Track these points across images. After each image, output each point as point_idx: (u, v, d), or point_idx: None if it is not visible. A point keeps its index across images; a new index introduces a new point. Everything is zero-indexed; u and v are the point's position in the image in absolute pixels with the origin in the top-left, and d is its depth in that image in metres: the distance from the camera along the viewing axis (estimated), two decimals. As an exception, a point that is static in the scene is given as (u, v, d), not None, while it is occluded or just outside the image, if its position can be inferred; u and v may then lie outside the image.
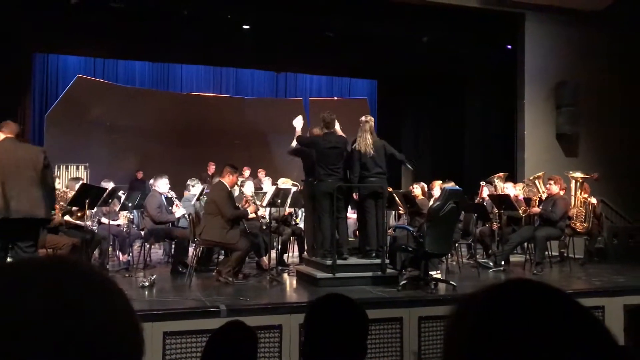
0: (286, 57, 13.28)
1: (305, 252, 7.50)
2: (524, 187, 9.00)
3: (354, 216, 7.81)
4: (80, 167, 12.35)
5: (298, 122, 6.97)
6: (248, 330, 2.56)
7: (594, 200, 8.58)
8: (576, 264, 8.14)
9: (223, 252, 7.28)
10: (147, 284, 5.94)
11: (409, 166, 7.48)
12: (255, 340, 2.55)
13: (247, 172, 11.91)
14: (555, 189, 7.86)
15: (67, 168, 12.29)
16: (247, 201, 7.19)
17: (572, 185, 8.61)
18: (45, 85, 13.76)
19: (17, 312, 0.57)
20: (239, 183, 8.69)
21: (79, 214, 6.88)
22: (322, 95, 16.20)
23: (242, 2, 10.40)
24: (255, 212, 7.84)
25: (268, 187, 9.23)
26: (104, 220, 7.71)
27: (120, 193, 8.00)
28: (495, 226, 8.21)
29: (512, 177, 9.64)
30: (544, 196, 8.24)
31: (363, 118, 6.83)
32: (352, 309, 1.97)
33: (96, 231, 7.24)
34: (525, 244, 8.18)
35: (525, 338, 0.65)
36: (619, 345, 0.69)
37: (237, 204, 6.93)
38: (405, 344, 5.16)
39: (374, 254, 6.50)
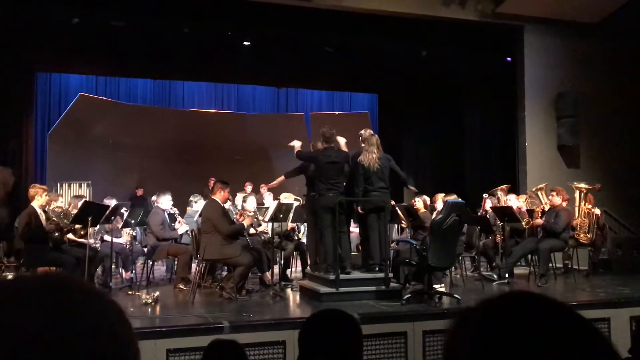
0: (287, 72, 13.34)
1: (308, 267, 7.48)
2: (526, 198, 8.99)
3: (357, 230, 7.80)
4: (82, 184, 12.36)
5: (296, 143, 6.96)
6: (237, 348, 2.55)
7: (597, 211, 8.56)
8: (580, 276, 8.10)
9: (226, 268, 7.27)
10: (150, 301, 5.92)
11: (411, 187, 7.48)
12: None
13: (249, 188, 11.91)
14: (557, 200, 7.84)
15: (69, 186, 12.30)
16: (241, 214, 7.18)
17: (576, 195, 8.60)
18: (48, 104, 13.81)
19: (16, 331, 0.57)
20: (242, 198, 8.71)
21: (82, 232, 6.88)
22: (323, 109, 16.24)
23: (242, 18, 10.48)
24: (255, 227, 7.84)
25: (270, 202, 9.23)
26: (107, 237, 7.72)
27: (123, 210, 8.01)
28: (498, 238, 8.19)
29: (515, 189, 9.63)
30: (546, 208, 8.23)
31: (363, 132, 6.83)
32: (345, 323, 1.98)
33: (99, 248, 7.23)
34: (529, 256, 8.15)
35: (525, 351, 0.65)
36: (620, 357, 0.69)
37: (232, 219, 6.93)
38: (409, 358, 5.13)
39: (377, 268, 6.48)
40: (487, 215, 8.39)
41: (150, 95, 15.16)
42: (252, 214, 7.76)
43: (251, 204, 8.11)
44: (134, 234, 8.17)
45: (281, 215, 7.18)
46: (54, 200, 7.34)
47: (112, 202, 7.80)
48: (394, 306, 5.74)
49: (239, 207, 7.95)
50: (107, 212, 6.85)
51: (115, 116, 13.78)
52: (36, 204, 6.39)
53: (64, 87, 14.02)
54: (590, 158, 10.50)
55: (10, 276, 7.14)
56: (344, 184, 6.76)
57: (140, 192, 13.12)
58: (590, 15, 10.23)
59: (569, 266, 8.58)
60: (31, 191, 6.52)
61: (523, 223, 8.03)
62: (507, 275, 7.65)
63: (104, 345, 0.60)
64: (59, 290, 0.63)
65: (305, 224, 8.11)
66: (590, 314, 5.72)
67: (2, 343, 0.56)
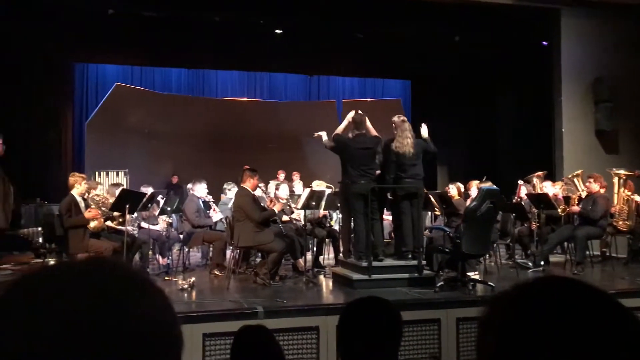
0: (319, 59, 13.35)
1: (340, 254, 7.52)
2: (562, 185, 8.83)
3: (390, 217, 7.79)
4: (120, 173, 12.63)
5: (323, 134, 6.92)
6: (266, 332, 2.59)
7: (637, 198, 8.35)
8: (619, 264, 7.94)
9: (260, 254, 7.36)
10: (186, 286, 6.05)
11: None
12: (277, 345, 2.58)
13: (281, 175, 11.99)
14: (595, 187, 7.68)
15: (107, 174, 12.59)
16: (271, 200, 7.24)
17: (615, 182, 8.41)
18: (85, 94, 14.12)
19: (62, 314, 0.58)
20: (274, 186, 8.78)
21: (120, 219, 7.05)
22: (354, 96, 16.18)
23: (273, 7, 10.50)
24: (288, 214, 7.90)
25: (302, 190, 9.28)
26: (144, 224, 7.88)
27: (159, 197, 8.15)
28: (533, 226, 8.08)
29: (551, 176, 9.46)
30: (583, 194, 8.07)
31: (396, 118, 6.78)
32: (386, 311, 1.98)
33: (136, 235, 7.40)
34: (565, 244, 8.02)
35: (558, 338, 0.63)
36: None
37: (263, 205, 6.99)
38: (443, 345, 5.13)
39: (410, 255, 6.46)
40: (522, 203, 8.28)
41: (185, 85, 15.36)
42: (284, 200, 7.83)
43: (284, 191, 8.17)
44: (170, 221, 8.32)
45: (313, 203, 7.22)
46: (93, 188, 7.53)
47: (148, 190, 7.96)
48: (427, 293, 5.74)
49: (272, 195, 8.01)
50: (144, 199, 6.99)
51: (151, 105, 14.02)
52: (76, 192, 6.55)
53: (101, 77, 14.30)
54: (629, 143, 10.22)
55: (52, 262, 7.38)
56: (377, 172, 6.71)
57: (175, 179, 13.35)
58: (631, -4, 9.93)
59: (607, 254, 8.41)
60: (71, 180, 6.68)
61: (559, 210, 7.89)
62: (542, 262, 7.55)
63: (149, 329, 0.62)
64: (105, 273, 0.65)
65: (338, 211, 8.13)
66: (629, 303, 5.62)
67: (51, 326, 0.58)
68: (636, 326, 0.65)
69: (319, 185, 8.63)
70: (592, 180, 7.74)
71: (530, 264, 7.67)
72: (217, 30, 11.24)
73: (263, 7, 10.55)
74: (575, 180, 8.64)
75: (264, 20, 11.15)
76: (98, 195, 7.54)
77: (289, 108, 15.53)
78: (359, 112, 6.73)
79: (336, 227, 8.39)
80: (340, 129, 6.75)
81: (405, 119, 6.82)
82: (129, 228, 7.15)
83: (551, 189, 8.26)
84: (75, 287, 0.61)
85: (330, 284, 6.74)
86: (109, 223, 7.01)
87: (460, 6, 10.16)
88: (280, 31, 11.67)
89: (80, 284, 0.62)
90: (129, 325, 0.60)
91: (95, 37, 11.43)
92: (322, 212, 8.14)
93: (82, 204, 6.56)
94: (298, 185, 10.36)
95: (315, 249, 7.74)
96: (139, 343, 0.61)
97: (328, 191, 7.99)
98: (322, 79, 16.22)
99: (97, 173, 12.25)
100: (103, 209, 6.93)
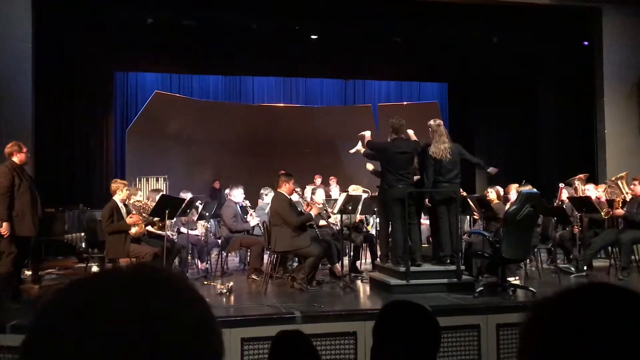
0: (354, 64, 13.35)
1: (378, 259, 7.48)
2: (606, 188, 8.60)
3: (427, 222, 7.72)
4: (159, 179, 12.87)
5: (367, 133, 7.02)
6: (303, 337, 2.58)
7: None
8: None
9: (297, 259, 7.39)
10: (224, 291, 6.11)
11: (490, 169, 7.25)
12: (314, 350, 2.58)
13: (318, 180, 12.02)
14: (640, 189, 7.46)
15: (147, 180, 12.85)
16: (308, 204, 7.26)
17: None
18: (126, 102, 14.44)
19: (109, 321, 0.60)
20: (310, 190, 8.81)
21: (160, 224, 7.17)
22: (391, 100, 16.12)
23: (308, 13, 10.56)
24: (325, 219, 7.91)
25: (336, 195, 9.28)
26: (183, 229, 8.00)
27: (198, 203, 8.27)
28: (576, 230, 7.89)
29: (593, 178, 9.24)
30: (628, 197, 7.84)
31: (432, 122, 6.74)
32: (424, 317, 1.95)
33: (176, 240, 7.51)
34: (610, 248, 7.81)
35: (601, 346, 0.62)
36: None
37: (299, 210, 7.02)
38: (483, 351, 5.05)
39: (448, 260, 6.39)
40: (564, 206, 8.09)
41: (222, 91, 15.56)
42: (320, 205, 7.84)
43: (320, 196, 8.19)
44: (209, 226, 8.43)
45: (350, 207, 7.21)
46: (134, 194, 7.69)
47: (187, 196, 8.07)
48: (466, 299, 5.66)
49: (308, 199, 8.04)
50: (183, 205, 7.10)
51: (189, 112, 14.26)
52: (117, 198, 6.70)
53: (140, 85, 14.61)
54: (676, 144, 9.90)
55: (94, 266, 7.56)
56: (415, 177, 6.68)
57: (217, 185, 13.55)
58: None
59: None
60: (112, 186, 6.84)
61: (602, 214, 7.69)
62: (585, 267, 7.37)
63: (191, 332, 0.63)
64: (147, 280, 0.66)
65: (375, 215, 8.10)
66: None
67: (99, 334, 0.59)
68: None
69: (355, 189, 8.62)
70: (637, 182, 7.52)
71: (572, 268, 7.49)
72: (253, 36, 11.36)
73: (298, 13, 10.62)
74: (619, 182, 8.41)
75: (299, 26, 11.22)
76: (139, 202, 7.69)
77: (325, 113, 15.57)
78: (397, 117, 6.73)
79: (373, 232, 8.36)
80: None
81: (442, 123, 6.77)
82: (169, 233, 7.27)
83: (594, 191, 8.05)
84: (120, 295, 0.62)
85: (368, 289, 6.71)
86: (149, 228, 7.14)
87: (497, 7, 10.02)
88: (316, 36, 11.72)
89: (125, 292, 0.63)
90: (173, 335, 0.61)
91: (135, 46, 11.71)
92: (358, 216, 8.12)
93: (123, 210, 6.70)
94: (335, 190, 10.36)
95: (352, 253, 7.72)
96: (182, 353, 0.62)
97: (364, 195, 7.97)
98: (358, 83, 16.21)
99: (137, 179, 12.51)
100: (144, 214, 7.07)
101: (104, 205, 6.82)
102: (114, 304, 0.61)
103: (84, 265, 7.66)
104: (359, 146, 7.04)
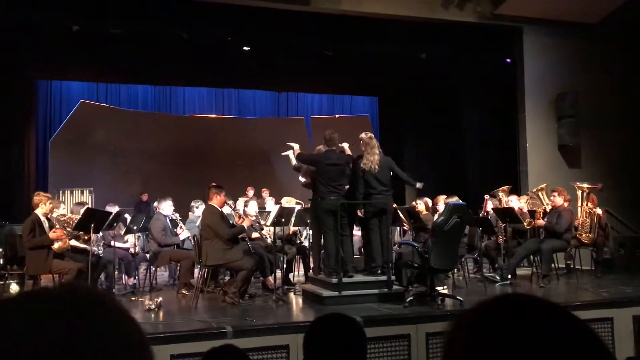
0: (287, 76, 13.40)
1: (310, 271, 7.49)
2: (527, 199, 8.99)
3: (359, 233, 7.80)
4: (84, 191, 12.39)
5: (295, 146, 7.01)
6: (237, 351, 2.55)
7: (599, 211, 8.55)
8: (583, 275, 8.09)
9: (228, 273, 7.28)
10: (153, 306, 5.94)
11: (417, 185, 7.37)
12: None
13: (250, 192, 11.93)
14: (559, 200, 7.84)
15: (71, 193, 12.33)
16: (240, 217, 7.20)
17: (579, 195, 8.60)
18: (49, 111, 13.88)
19: (33, 345, 0.57)
20: (243, 203, 8.72)
21: (85, 237, 6.89)
22: (323, 113, 16.29)
23: (241, 24, 10.51)
24: (257, 231, 7.85)
25: (271, 207, 9.24)
26: (117, 243, 7.68)
27: (126, 216, 8.02)
28: (500, 239, 8.19)
29: (516, 190, 9.63)
30: (548, 208, 8.23)
31: (363, 135, 6.84)
32: (349, 327, 2.00)
33: (101, 255, 7.24)
34: (532, 257, 8.15)
35: (517, 354, 0.65)
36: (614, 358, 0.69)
37: (231, 222, 6.94)
38: (413, 360, 5.13)
39: (379, 271, 6.48)
40: (489, 217, 8.39)
41: (151, 101, 15.24)
42: (253, 217, 7.77)
43: (253, 208, 8.13)
44: (136, 241, 8.18)
45: (283, 219, 7.19)
46: (56, 208, 7.36)
47: (114, 209, 7.81)
48: (396, 309, 5.75)
49: (240, 212, 7.95)
50: (110, 218, 6.86)
51: (117, 122, 13.84)
52: (40, 211, 6.39)
53: (65, 94, 14.09)
54: (591, 158, 10.50)
55: (13, 284, 7.17)
56: (346, 187, 6.75)
57: (145, 197, 13.16)
58: (589, 15, 10.24)
59: (571, 266, 8.58)
60: (35, 199, 6.51)
61: (525, 224, 8.03)
62: (509, 276, 7.65)
63: (124, 353, 0.62)
64: (78, 302, 0.64)
65: (308, 227, 8.11)
66: (593, 314, 5.72)
67: (22, 357, 0.57)
68: (589, 338, 0.68)
69: (288, 201, 8.61)
70: (556, 194, 7.90)
71: (497, 277, 7.76)
72: (184, 46, 11.18)
73: (231, 24, 10.55)
74: (539, 194, 8.81)
75: (231, 37, 11.15)
76: (63, 215, 7.38)
77: (257, 124, 15.52)
78: (331, 130, 6.79)
79: (306, 244, 8.36)
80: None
81: (373, 135, 6.88)
82: (94, 248, 7.00)
83: (517, 203, 8.40)
84: (52, 318, 0.61)
85: (301, 301, 6.70)
86: (74, 242, 6.85)
87: (426, 24, 10.33)
88: (248, 48, 11.68)
89: (57, 315, 0.61)
90: (104, 352, 0.60)
91: (59, 53, 11.27)
92: (292, 228, 8.11)
93: (46, 224, 6.40)
94: (270, 202, 10.31)
95: (285, 266, 7.69)
96: None
97: (298, 207, 7.98)
98: (291, 95, 16.29)
99: (60, 191, 11.99)
100: (68, 229, 6.78)
101: (25, 219, 6.50)
102: (38, 326, 0.59)
103: (1, 283, 7.24)
104: (291, 155, 7.01)
